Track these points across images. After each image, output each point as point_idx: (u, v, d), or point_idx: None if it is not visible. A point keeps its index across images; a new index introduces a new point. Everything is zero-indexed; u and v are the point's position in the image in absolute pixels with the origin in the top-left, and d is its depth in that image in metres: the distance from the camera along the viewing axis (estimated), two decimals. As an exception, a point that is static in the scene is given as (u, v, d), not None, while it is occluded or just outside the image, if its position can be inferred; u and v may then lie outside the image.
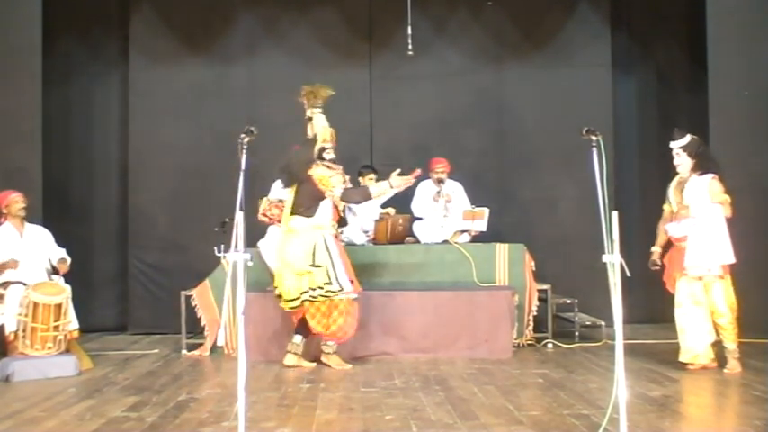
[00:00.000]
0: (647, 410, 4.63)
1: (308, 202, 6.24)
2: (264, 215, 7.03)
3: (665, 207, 6.13)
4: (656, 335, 7.41)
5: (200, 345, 7.09)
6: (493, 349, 6.59)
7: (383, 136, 8.73)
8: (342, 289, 6.10)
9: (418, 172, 6.34)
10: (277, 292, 6.32)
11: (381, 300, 6.69)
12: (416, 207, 7.92)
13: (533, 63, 8.77)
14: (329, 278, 6.08)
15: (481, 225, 7.64)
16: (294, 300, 6.14)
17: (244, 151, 3.95)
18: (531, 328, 7.16)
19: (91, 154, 8.79)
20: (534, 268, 7.26)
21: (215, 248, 6.67)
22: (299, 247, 6.14)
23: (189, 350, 7.07)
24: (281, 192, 7.36)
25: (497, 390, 5.31)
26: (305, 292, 6.09)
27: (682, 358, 5.93)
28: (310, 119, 6.46)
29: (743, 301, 5.90)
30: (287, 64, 8.69)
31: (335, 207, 6.33)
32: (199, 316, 7.12)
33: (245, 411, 3.64)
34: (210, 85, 8.68)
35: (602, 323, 7.33)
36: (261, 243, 7.07)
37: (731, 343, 5.85)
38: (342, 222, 6.59)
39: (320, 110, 6.44)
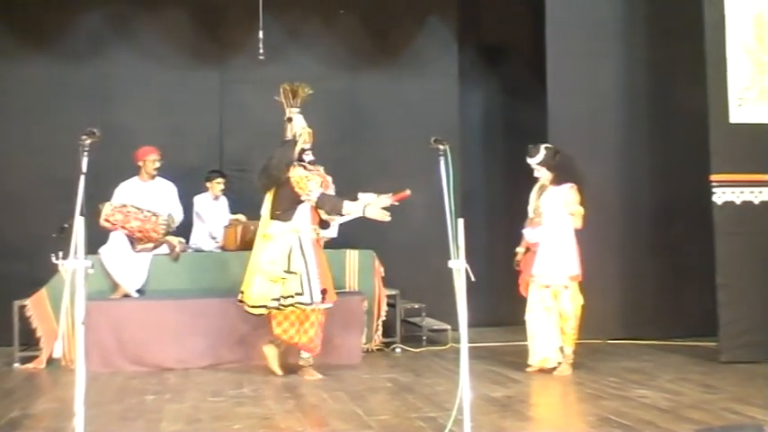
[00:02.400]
0: (490, 411, 4.80)
1: (285, 205, 5.93)
2: (107, 220, 6.81)
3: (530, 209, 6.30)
4: (500, 338, 7.67)
5: (35, 357, 6.70)
6: (343, 355, 6.62)
7: (233, 141, 8.59)
8: (312, 302, 5.82)
9: (407, 193, 5.96)
10: (241, 297, 5.97)
11: (229, 307, 6.53)
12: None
13: (385, 72, 8.88)
14: (302, 288, 5.77)
15: (332, 232, 7.67)
16: (260, 307, 5.86)
17: (85, 154, 3.77)
18: (380, 333, 7.26)
19: None
20: (383, 274, 7.38)
21: (53, 255, 6.33)
22: (275, 252, 5.83)
23: (22, 363, 6.67)
24: (124, 196, 7.15)
25: (347, 395, 5.34)
26: (275, 300, 5.79)
27: (531, 361, 6.14)
28: (290, 119, 6.22)
29: (584, 304, 6.16)
30: (135, 65, 8.38)
31: (315, 209, 6.02)
32: (34, 327, 6.72)
33: (84, 426, 3.47)
34: (55, 85, 8.21)
35: (449, 327, 7.52)
36: (102, 249, 6.81)
37: (569, 347, 6.10)
38: (324, 225, 6.22)
39: (298, 110, 6.23)
